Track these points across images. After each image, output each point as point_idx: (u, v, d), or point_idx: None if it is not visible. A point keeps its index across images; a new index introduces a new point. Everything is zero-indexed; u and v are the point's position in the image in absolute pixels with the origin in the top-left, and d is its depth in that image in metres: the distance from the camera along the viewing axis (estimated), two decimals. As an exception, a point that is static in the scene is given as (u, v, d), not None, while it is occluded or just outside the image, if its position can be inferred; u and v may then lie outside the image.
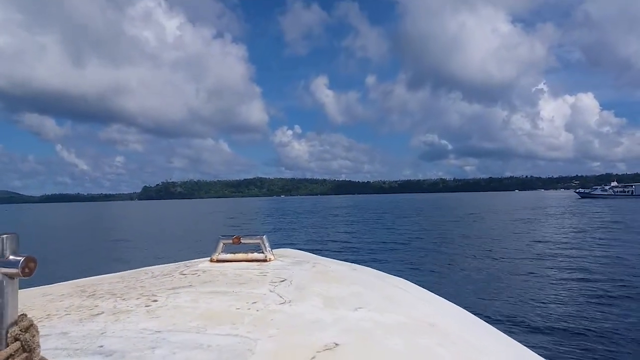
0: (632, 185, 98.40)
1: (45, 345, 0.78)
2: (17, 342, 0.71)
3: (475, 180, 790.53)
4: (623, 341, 7.06)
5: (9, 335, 0.71)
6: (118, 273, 1.88)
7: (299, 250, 2.28)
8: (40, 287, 1.61)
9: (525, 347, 1.25)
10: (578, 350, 6.47)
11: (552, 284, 11.32)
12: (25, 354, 0.72)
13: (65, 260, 17.66)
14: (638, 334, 7.32)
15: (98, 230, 40.54)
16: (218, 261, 1.91)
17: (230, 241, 1.90)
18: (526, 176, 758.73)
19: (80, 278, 1.82)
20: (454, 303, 1.56)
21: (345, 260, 2.19)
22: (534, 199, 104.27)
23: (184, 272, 1.75)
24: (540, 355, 1.19)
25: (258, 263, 1.87)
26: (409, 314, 1.26)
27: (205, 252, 1.96)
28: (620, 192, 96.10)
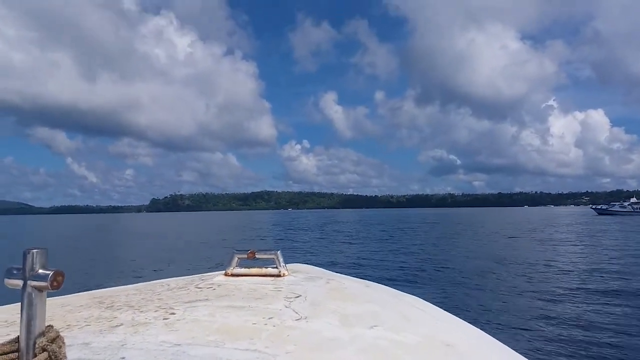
0: None
1: (69, 355, 0.81)
2: (45, 352, 0.75)
3: (484, 196, 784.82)
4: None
5: (37, 346, 0.75)
6: (134, 285, 1.90)
7: (311, 266, 2.29)
8: (58, 297, 1.64)
9: None
10: None
11: (575, 307, 10.65)
12: None
13: (77, 271, 17.44)
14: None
15: (107, 241, 40.40)
16: (232, 275, 1.93)
17: (245, 256, 1.92)
18: (535, 192, 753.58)
19: (94, 289, 1.85)
20: (470, 323, 1.54)
21: (356, 276, 2.19)
22: (548, 215, 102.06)
23: (200, 286, 1.76)
24: None
25: (272, 278, 1.87)
26: (426, 333, 1.24)
27: (215, 265, 1.98)
28: None
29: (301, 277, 1.92)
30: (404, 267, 18.04)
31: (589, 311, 10.11)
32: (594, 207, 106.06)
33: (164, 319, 1.29)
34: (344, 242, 32.09)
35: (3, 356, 0.75)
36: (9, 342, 0.76)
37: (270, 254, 1.94)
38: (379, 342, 1.11)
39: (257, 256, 1.90)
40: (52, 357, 0.75)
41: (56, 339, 0.77)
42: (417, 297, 1.76)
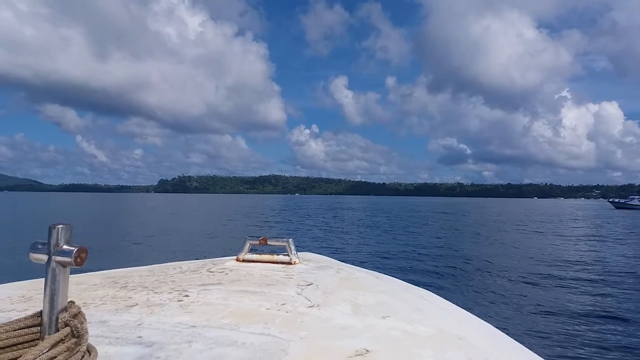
0: None
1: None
2: (67, 327, 0.76)
3: (493, 186, 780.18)
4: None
5: (59, 320, 0.76)
6: (146, 266, 1.92)
7: (321, 255, 2.30)
8: (72, 275, 1.46)
9: None
10: None
11: (593, 304, 10.18)
12: (74, 340, 0.76)
13: (90, 250, 17.43)
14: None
15: (116, 221, 39.87)
16: (244, 261, 1.95)
17: (257, 242, 1.93)
18: (545, 184, 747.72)
19: (106, 269, 1.87)
20: (481, 318, 1.55)
21: (363, 266, 2.20)
22: (561, 208, 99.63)
23: (212, 270, 1.79)
24: None
25: (283, 265, 1.90)
26: (437, 326, 1.25)
27: (225, 249, 2.09)
28: None
29: (312, 265, 1.94)
30: (412, 258, 17.56)
31: (606, 308, 9.71)
32: (611, 200, 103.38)
33: (178, 300, 1.32)
34: (350, 230, 31.50)
35: (25, 329, 0.77)
36: (32, 316, 0.78)
37: (282, 242, 1.95)
38: (392, 332, 1.12)
39: (268, 243, 1.91)
40: (75, 332, 0.76)
41: (78, 314, 0.79)
42: (426, 290, 1.77)
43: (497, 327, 1.47)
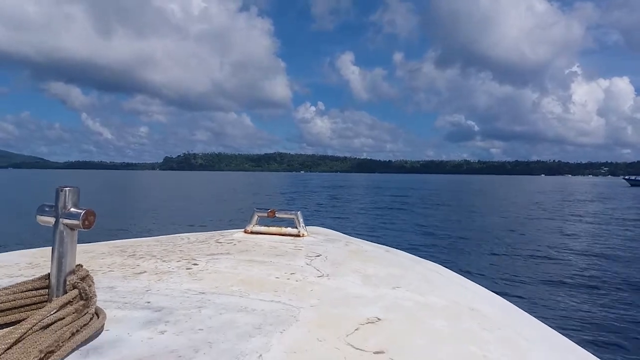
0: None
1: None
2: (75, 289, 0.76)
3: (500, 163, 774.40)
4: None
5: (67, 283, 0.77)
6: (154, 237, 1.94)
7: (330, 229, 2.31)
8: (80, 244, 1.51)
9: (570, 340, 1.21)
10: (624, 348, 6.17)
11: (606, 279, 9.88)
12: (82, 302, 0.77)
13: (97, 223, 16.35)
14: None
15: (123, 196, 39.65)
16: (252, 232, 1.97)
17: (265, 214, 1.94)
18: (553, 160, 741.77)
19: (116, 240, 1.88)
20: (493, 291, 1.56)
21: (373, 241, 2.18)
22: (575, 185, 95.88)
23: (220, 241, 1.81)
24: (587, 349, 1.14)
25: (292, 237, 1.91)
26: (449, 297, 1.27)
27: (232, 224, 1.92)
28: None
29: (321, 238, 1.95)
30: (421, 234, 17.24)
31: (620, 283, 9.54)
32: (626, 177, 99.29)
33: (186, 268, 1.33)
34: (355, 207, 30.76)
35: (33, 292, 0.77)
36: (40, 278, 0.79)
37: (291, 214, 1.96)
38: (404, 302, 1.12)
39: (277, 215, 1.93)
40: (83, 294, 0.77)
41: (86, 277, 0.80)
42: (436, 263, 1.78)
43: (509, 300, 1.47)
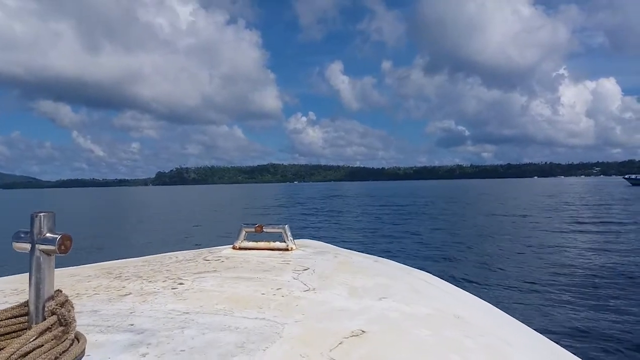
0: None
1: (78, 321, 0.82)
2: (54, 315, 0.75)
3: (492, 167, 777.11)
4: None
5: (46, 309, 0.75)
6: (142, 257, 1.93)
7: (319, 241, 2.30)
8: (67, 268, 1.67)
9: (553, 342, 1.23)
10: (610, 351, 6.24)
11: (596, 285, 9.80)
12: (61, 328, 0.75)
13: (84, 243, 16.68)
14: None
15: (114, 215, 39.46)
16: (240, 248, 1.95)
17: (253, 229, 1.93)
18: (545, 162, 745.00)
19: (103, 261, 1.86)
20: (478, 297, 1.58)
21: (362, 251, 2.20)
22: (574, 187, 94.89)
23: (208, 258, 1.79)
24: (570, 351, 1.17)
25: (280, 252, 1.90)
26: (435, 306, 1.26)
27: (223, 239, 1.95)
28: None
29: (309, 251, 1.94)
30: (410, 242, 17.19)
31: (610, 289, 9.46)
32: (627, 177, 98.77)
33: (172, 288, 1.32)
34: (348, 216, 30.92)
35: (12, 319, 0.76)
36: (19, 306, 0.78)
37: (278, 228, 1.95)
38: (389, 313, 1.12)
39: (264, 230, 1.91)
40: (62, 320, 0.75)
41: (65, 302, 0.78)
42: (424, 272, 1.77)
43: (495, 306, 1.49)
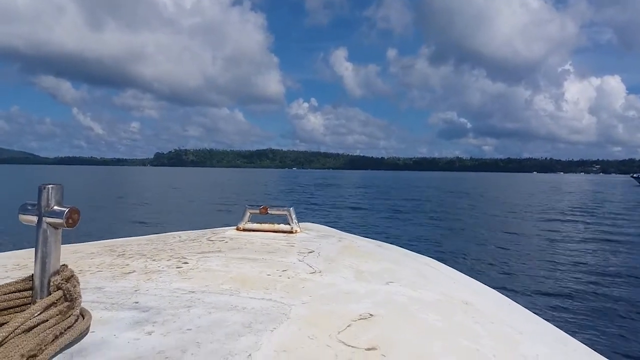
0: None
1: (82, 299, 0.81)
2: (59, 290, 0.74)
3: (492, 160, 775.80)
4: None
5: (51, 284, 0.74)
6: (145, 236, 1.92)
7: (323, 225, 2.30)
8: (69, 244, 1.65)
9: (563, 331, 1.20)
10: (617, 338, 6.31)
11: (603, 274, 9.88)
12: (66, 303, 0.74)
13: (87, 221, 13.68)
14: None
15: (115, 193, 38.30)
16: (245, 230, 1.93)
17: (257, 211, 1.92)
18: (545, 158, 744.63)
19: (105, 239, 1.85)
20: (487, 285, 1.56)
21: (367, 237, 2.19)
22: (580, 184, 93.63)
23: (212, 239, 1.78)
24: (578, 339, 1.13)
25: (284, 234, 1.88)
26: (443, 291, 1.26)
27: (224, 221, 2.04)
28: None
29: (313, 234, 1.93)
30: (416, 230, 17.39)
31: (619, 276, 9.62)
32: (635, 176, 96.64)
33: (177, 267, 1.31)
34: (349, 203, 30.93)
35: (17, 294, 0.75)
36: (23, 280, 0.76)
37: (283, 211, 1.94)
38: (397, 297, 1.12)
39: (269, 212, 1.90)
40: (67, 295, 0.75)
41: (71, 278, 0.77)
42: (430, 258, 1.77)
43: (503, 294, 1.48)
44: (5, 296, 0.74)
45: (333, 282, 1.21)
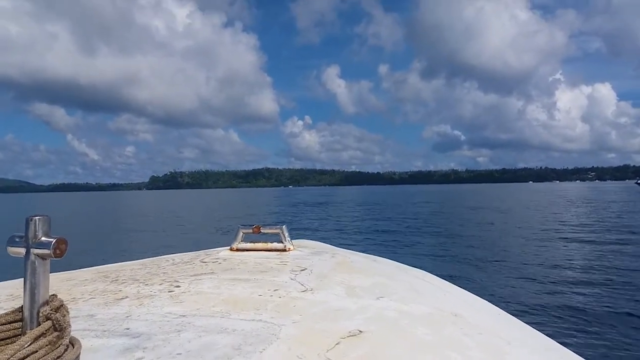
0: None
1: (73, 326, 0.80)
2: (49, 321, 0.73)
3: (488, 172, 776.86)
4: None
5: (40, 314, 0.74)
6: (139, 260, 1.91)
7: (317, 242, 2.30)
8: (63, 272, 1.66)
9: (552, 340, 1.21)
10: (608, 345, 6.32)
11: (594, 283, 9.99)
12: (56, 333, 0.74)
13: (80, 248, 16.18)
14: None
15: (109, 219, 39.07)
16: (238, 250, 1.93)
17: (250, 230, 1.92)
18: (540, 167, 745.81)
19: (100, 265, 1.86)
20: (477, 295, 1.57)
21: (360, 251, 2.21)
22: (582, 192, 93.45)
23: (205, 260, 1.77)
24: (567, 347, 1.16)
25: (278, 252, 1.89)
26: (433, 304, 1.25)
27: (219, 242, 2.06)
28: None
29: (307, 251, 1.93)
30: (407, 243, 17.52)
31: (613, 296, 9.27)
32: (638, 182, 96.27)
33: (169, 291, 1.30)
34: (343, 218, 31.50)
35: (7, 325, 0.74)
36: (13, 312, 0.76)
37: (276, 229, 1.94)
38: (387, 312, 1.11)
39: (262, 231, 1.90)
40: (56, 325, 0.74)
41: (60, 307, 0.77)
42: (423, 271, 1.77)
43: (493, 304, 1.49)
44: None
45: (324, 299, 1.21)
